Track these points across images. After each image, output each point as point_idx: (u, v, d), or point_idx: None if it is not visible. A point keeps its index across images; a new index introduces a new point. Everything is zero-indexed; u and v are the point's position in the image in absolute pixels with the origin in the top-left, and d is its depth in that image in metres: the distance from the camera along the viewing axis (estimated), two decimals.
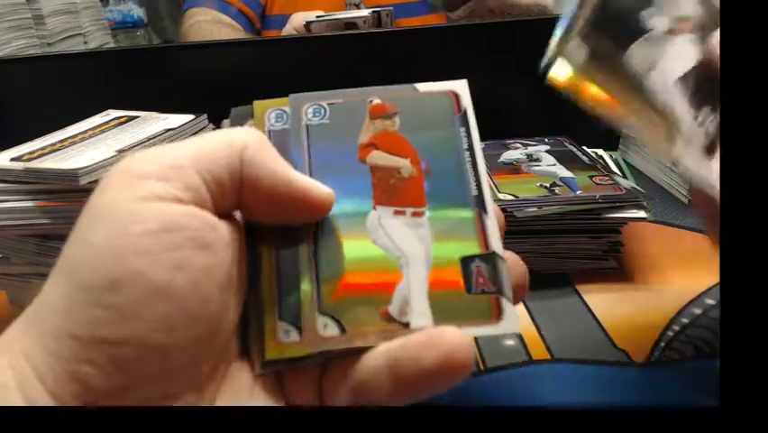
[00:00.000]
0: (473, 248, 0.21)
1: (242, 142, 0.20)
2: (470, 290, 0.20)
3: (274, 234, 0.21)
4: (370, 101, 0.24)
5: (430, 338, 0.18)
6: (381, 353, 0.19)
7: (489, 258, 0.21)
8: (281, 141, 0.23)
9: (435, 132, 0.23)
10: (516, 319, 0.20)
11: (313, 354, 0.20)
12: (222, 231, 0.19)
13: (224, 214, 0.20)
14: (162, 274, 0.17)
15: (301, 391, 0.20)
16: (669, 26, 0.25)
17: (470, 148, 0.23)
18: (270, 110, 0.24)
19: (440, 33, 0.62)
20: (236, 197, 0.20)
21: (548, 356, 0.32)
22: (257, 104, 0.25)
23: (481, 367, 0.31)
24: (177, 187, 0.18)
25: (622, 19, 0.25)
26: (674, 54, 0.24)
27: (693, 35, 0.25)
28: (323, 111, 0.24)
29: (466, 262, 0.21)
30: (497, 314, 0.20)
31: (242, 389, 0.20)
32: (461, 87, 0.25)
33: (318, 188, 0.21)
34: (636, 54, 0.24)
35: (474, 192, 0.22)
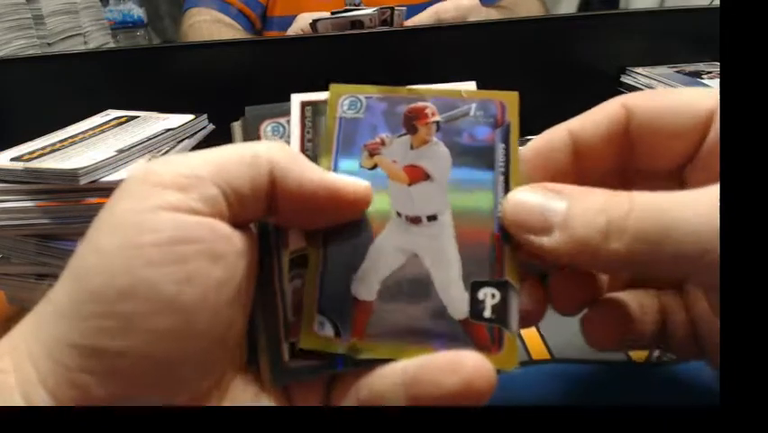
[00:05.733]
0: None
1: (269, 158, 0.19)
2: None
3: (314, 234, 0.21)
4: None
5: (450, 363, 0.18)
6: (398, 369, 0.19)
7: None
8: (351, 130, 0.22)
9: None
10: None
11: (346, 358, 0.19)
12: (236, 242, 0.19)
13: (240, 224, 0.19)
14: (171, 286, 0.17)
15: (308, 401, 0.20)
16: None
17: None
18: (345, 96, 0.22)
19: (443, 33, 0.62)
20: (257, 210, 0.19)
21: (548, 356, 0.32)
22: (333, 87, 0.23)
23: None
24: (193, 198, 0.18)
25: None
26: None
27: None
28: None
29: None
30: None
31: (246, 400, 0.19)
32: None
33: (356, 183, 0.20)
34: None
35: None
